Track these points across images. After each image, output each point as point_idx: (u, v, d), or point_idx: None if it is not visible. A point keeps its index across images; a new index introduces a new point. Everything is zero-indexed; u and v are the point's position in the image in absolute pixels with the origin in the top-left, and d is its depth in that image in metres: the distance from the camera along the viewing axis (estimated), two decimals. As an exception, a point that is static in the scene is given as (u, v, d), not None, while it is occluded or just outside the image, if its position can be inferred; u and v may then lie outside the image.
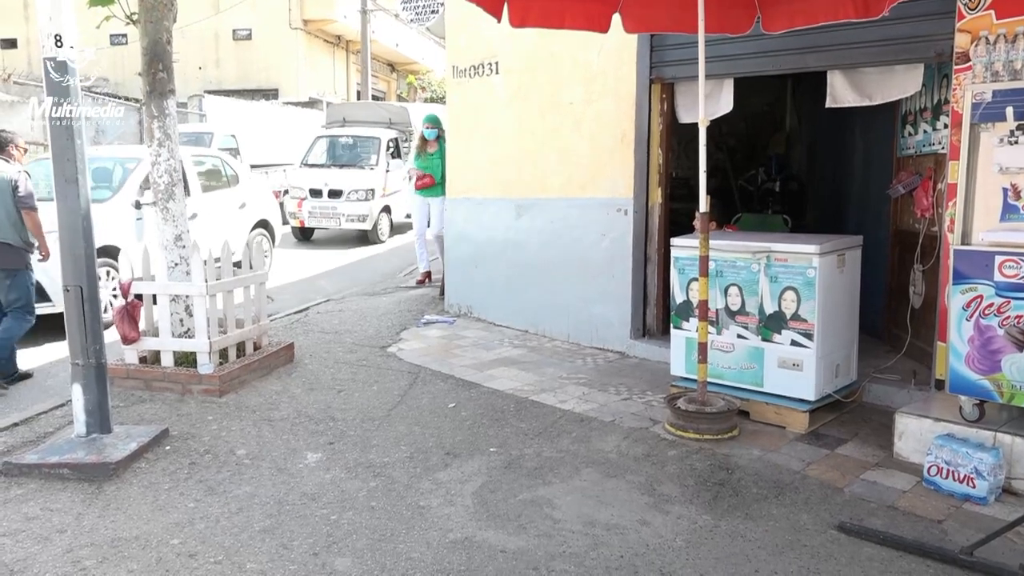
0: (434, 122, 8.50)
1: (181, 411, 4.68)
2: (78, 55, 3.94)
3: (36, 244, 5.56)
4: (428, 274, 8.87)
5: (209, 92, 22.31)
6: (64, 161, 3.96)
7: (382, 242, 13.44)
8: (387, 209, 13.82)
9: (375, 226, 13.33)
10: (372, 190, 13.32)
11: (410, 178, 8.80)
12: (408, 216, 14.88)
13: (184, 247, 5.21)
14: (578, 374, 5.49)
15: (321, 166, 13.97)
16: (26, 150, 6.32)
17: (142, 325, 5.10)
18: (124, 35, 22.18)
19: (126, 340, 5.00)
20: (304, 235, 13.98)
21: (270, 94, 24.44)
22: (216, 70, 24.94)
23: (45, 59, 3.86)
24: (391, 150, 14.23)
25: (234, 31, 25.00)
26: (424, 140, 8.48)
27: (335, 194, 13.14)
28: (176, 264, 5.18)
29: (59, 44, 3.83)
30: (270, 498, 3.56)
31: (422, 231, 8.74)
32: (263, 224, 10.19)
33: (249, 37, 25.12)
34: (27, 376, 5.64)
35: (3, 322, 5.48)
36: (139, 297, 5.11)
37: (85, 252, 4.04)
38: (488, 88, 6.85)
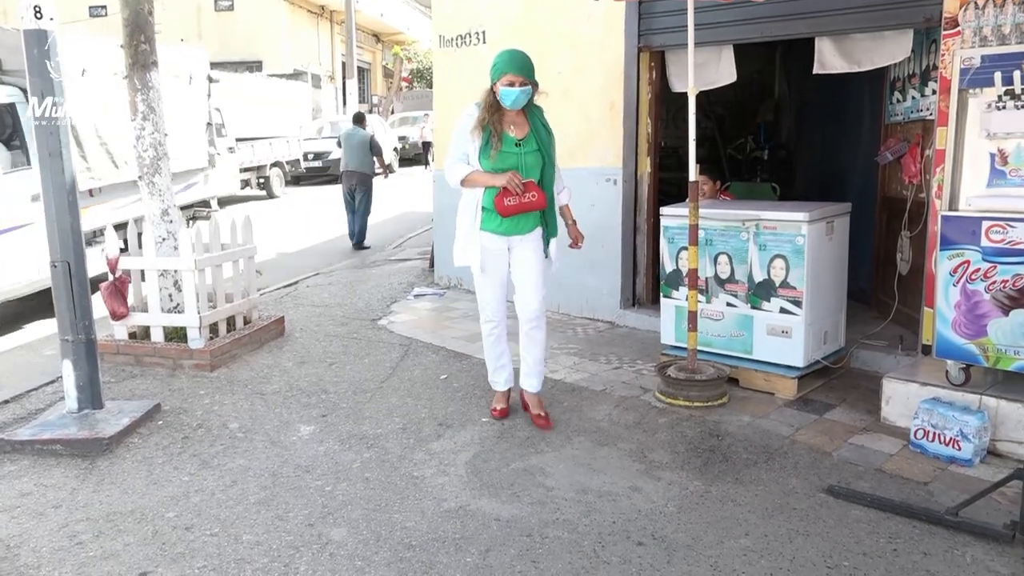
0: (526, 70, 3.88)
1: (173, 386, 4.67)
2: (57, 27, 3.86)
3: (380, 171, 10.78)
4: (508, 397, 4.25)
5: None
6: (47, 135, 3.90)
7: None
8: None
9: None
10: None
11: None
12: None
13: (171, 221, 5.17)
14: (569, 344, 5.51)
15: None
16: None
17: (131, 300, 5.07)
18: (104, 7, 21.79)
19: (115, 316, 4.97)
20: None
21: (253, 66, 24.09)
22: (198, 42, 24.53)
23: (25, 31, 3.78)
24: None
25: (216, 2, 24.58)
26: (498, 108, 3.90)
27: None
28: (164, 239, 5.14)
29: (39, 16, 3.75)
30: (264, 471, 3.58)
31: (500, 312, 4.17)
32: None
33: (231, 8, 24.70)
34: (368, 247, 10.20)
35: (360, 218, 10.36)
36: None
37: (71, 227, 3.99)
38: (476, 58, 6.77)
